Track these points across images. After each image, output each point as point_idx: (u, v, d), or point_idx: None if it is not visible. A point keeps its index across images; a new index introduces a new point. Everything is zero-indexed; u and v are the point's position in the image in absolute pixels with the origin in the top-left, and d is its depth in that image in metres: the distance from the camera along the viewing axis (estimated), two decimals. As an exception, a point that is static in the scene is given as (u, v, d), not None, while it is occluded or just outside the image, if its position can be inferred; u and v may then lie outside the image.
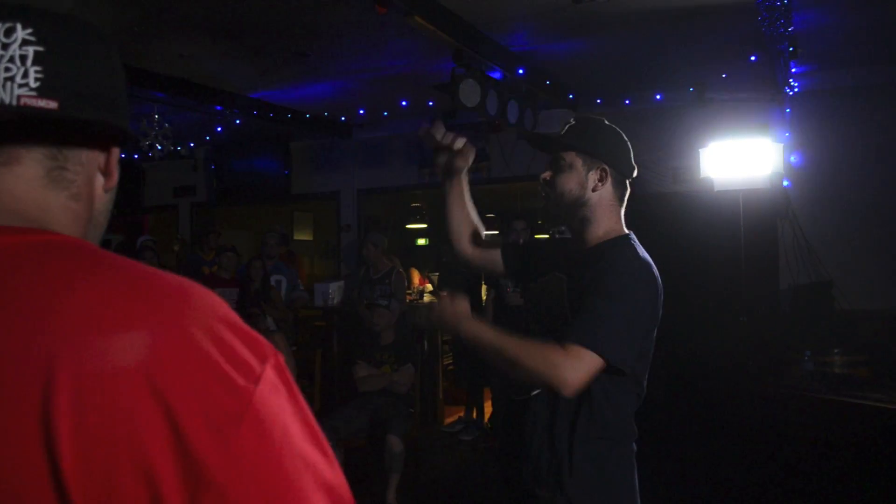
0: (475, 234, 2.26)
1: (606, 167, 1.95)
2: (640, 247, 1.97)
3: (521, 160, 7.32)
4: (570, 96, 6.58)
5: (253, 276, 6.97)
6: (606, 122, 2.03)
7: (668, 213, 6.45)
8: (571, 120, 2.03)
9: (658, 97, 6.77)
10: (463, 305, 1.91)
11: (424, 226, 11.48)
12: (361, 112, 7.22)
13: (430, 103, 6.62)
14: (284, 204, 9.72)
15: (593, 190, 1.95)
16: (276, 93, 6.53)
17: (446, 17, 4.37)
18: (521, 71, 5.37)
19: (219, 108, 6.44)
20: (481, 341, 1.84)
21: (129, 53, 5.34)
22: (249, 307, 6.65)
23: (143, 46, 5.20)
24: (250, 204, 9.52)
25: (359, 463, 5.30)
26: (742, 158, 5.23)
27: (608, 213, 1.98)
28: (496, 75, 5.33)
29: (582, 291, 1.86)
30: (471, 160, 2.15)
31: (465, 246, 2.25)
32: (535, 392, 1.97)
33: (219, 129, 7.22)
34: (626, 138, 2.01)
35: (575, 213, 1.98)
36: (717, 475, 4.47)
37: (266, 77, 6.00)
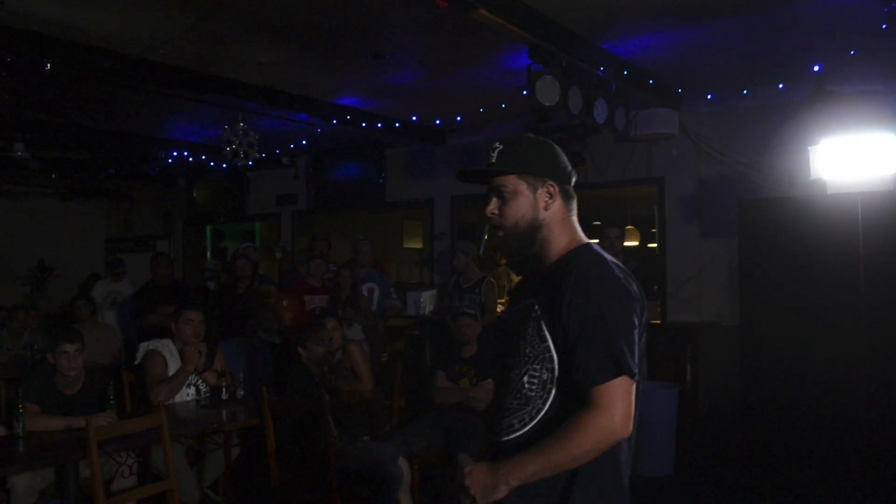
0: None
1: (553, 183, 1.89)
2: (603, 251, 1.90)
3: (618, 164, 6.88)
4: (679, 90, 6.05)
5: (342, 283, 6.92)
6: (534, 136, 1.96)
7: (780, 220, 5.84)
8: (497, 144, 1.93)
9: (773, 91, 6.11)
10: (484, 469, 1.81)
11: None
12: (437, 123, 7.02)
13: (504, 106, 6.31)
14: (379, 212, 9.66)
15: (545, 209, 1.89)
16: (362, 100, 6.44)
17: (518, 8, 4.07)
18: (604, 68, 4.97)
19: (304, 115, 6.41)
20: (528, 474, 1.76)
21: (209, 62, 5.38)
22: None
23: (222, 55, 5.22)
24: (346, 211, 9.53)
25: (432, 481, 5.07)
26: (861, 157, 4.61)
27: (564, 227, 1.92)
28: (584, 72, 4.96)
29: (557, 311, 1.78)
30: None
31: None
32: (514, 434, 1.86)
33: (304, 141, 7.21)
34: (556, 145, 1.94)
35: (534, 237, 1.91)
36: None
37: (348, 82, 5.90)
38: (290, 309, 7.06)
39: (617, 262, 1.86)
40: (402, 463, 4.60)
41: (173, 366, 4.90)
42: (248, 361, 5.94)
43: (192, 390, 4.97)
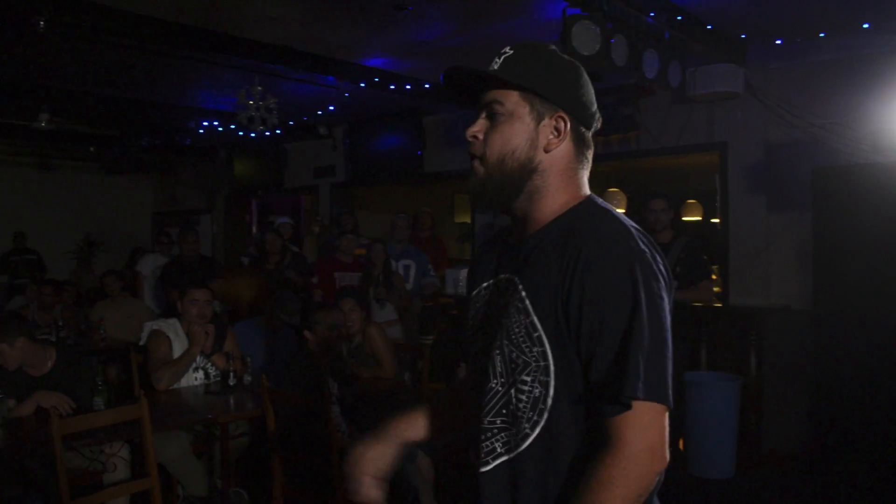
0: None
1: (564, 115, 1.39)
2: (612, 208, 1.39)
3: (674, 128, 6.19)
4: (743, 35, 5.26)
5: (375, 260, 6.51)
6: (556, 50, 1.43)
7: (861, 190, 5.13)
8: (507, 49, 1.41)
9: (856, 39, 5.27)
10: None
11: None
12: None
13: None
14: (418, 184, 9.15)
15: (546, 149, 1.39)
16: (390, 60, 5.92)
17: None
18: (654, 13, 4.30)
19: (330, 78, 5.94)
20: None
21: (216, 19, 4.95)
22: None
23: (230, 10, 4.78)
24: (383, 184, 9.06)
25: (453, 482, 4.60)
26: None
27: (567, 180, 1.42)
28: (630, 17, 4.33)
29: (557, 301, 1.30)
30: None
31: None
32: (495, 463, 1.39)
33: (331, 107, 6.76)
34: (585, 73, 1.43)
35: (522, 184, 1.40)
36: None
37: (371, 39, 5.39)
38: (321, 286, 6.70)
39: (637, 227, 1.37)
40: (423, 461, 4.15)
41: (179, 347, 4.58)
42: (268, 344, 5.58)
43: (201, 374, 4.64)
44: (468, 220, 9.99)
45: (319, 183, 9.31)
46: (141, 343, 4.73)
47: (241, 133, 7.26)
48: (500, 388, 1.39)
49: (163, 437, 3.92)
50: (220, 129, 8.12)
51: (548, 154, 1.39)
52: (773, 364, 5.61)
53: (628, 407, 1.23)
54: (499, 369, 1.38)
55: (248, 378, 4.57)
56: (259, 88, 5.44)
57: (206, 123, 8.12)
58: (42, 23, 4.38)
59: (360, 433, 4.12)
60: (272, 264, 7.07)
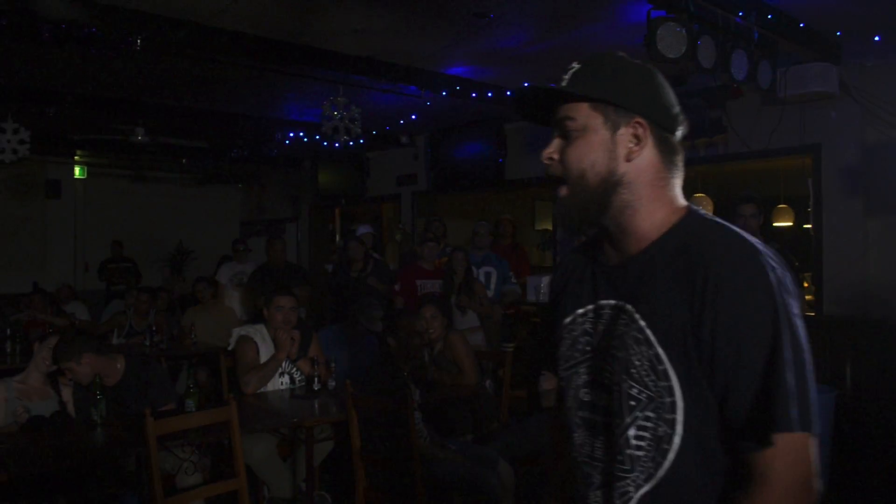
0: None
1: (641, 120, 1.28)
2: (734, 227, 1.25)
3: (764, 130, 5.98)
4: (838, 32, 5.03)
5: (456, 267, 6.52)
6: (625, 56, 1.34)
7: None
8: (574, 64, 1.34)
9: None
10: None
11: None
12: (552, 86, 6.33)
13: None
14: (499, 191, 9.14)
15: (628, 159, 1.29)
16: (471, 68, 5.94)
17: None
18: (743, 12, 4.16)
19: (413, 88, 6.01)
20: None
21: (302, 33, 5.08)
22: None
23: (314, 24, 4.89)
24: (466, 191, 9.09)
25: (534, 489, 4.55)
26: None
27: (658, 191, 1.31)
28: (717, 18, 4.21)
29: (685, 328, 1.20)
30: None
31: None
32: None
33: (413, 116, 6.82)
34: (660, 74, 1.33)
35: (606, 199, 1.29)
36: None
37: (453, 48, 5.42)
38: (402, 294, 6.77)
39: (758, 241, 1.26)
40: (504, 468, 4.12)
41: (265, 352, 4.69)
42: (351, 349, 5.66)
43: (286, 379, 4.75)
44: (549, 228, 9.91)
45: (401, 191, 9.43)
46: (230, 348, 4.87)
47: (325, 143, 7.41)
48: (614, 430, 1.29)
49: (250, 440, 4.03)
50: (305, 139, 8.32)
51: (631, 164, 1.29)
52: (871, 376, 5.33)
53: (778, 438, 1.14)
54: (615, 407, 1.28)
55: (332, 383, 4.65)
56: (342, 99, 5.54)
57: (291, 134, 8.34)
58: (139, 41, 4.58)
59: (441, 439, 4.14)
60: (355, 272, 7.18)
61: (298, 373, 4.77)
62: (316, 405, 4.37)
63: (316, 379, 4.57)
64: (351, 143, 5.87)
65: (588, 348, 1.37)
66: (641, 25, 4.19)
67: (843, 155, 5.73)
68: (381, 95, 6.50)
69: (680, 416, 1.21)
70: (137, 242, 11.11)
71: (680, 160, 1.34)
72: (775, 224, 8.34)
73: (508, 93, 6.26)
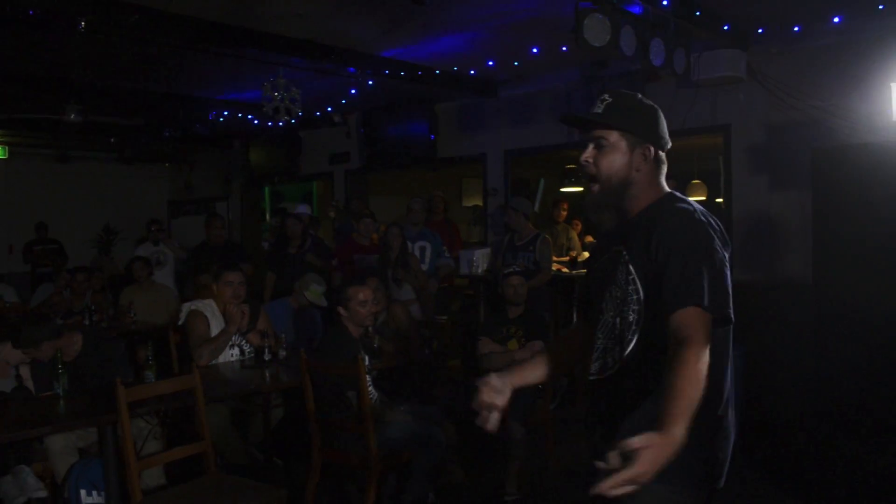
0: (572, 346, 2.31)
1: (650, 146, 1.97)
2: (687, 198, 2.00)
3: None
4: (726, 27, 5.51)
5: (391, 242, 6.76)
6: (643, 98, 2.03)
7: (858, 169, 5.37)
8: (606, 97, 1.99)
9: (837, 21, 5.50)
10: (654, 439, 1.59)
11: (580, 189, 10.74)
12: (490, 64, 6.62)
13: (564, 48, 5.92)
14: (432, 169, 9.42)
15: (637, 170, 1.97)
16: (405, 50, 6.17)
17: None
18: (665, 2, 4.56)
19: (351, 69, 6.20)
20: (685, 421, 1.63)
21: (246, 16, 5.21)
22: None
23: (259, 7, 5.03)
24: (398, 169, 9.34)
25: (477, 447, 4.90)
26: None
27: (651, 187, 2.00)
28: (635, 9, 4.58)
29: (645, 250, 1.87)
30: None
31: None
32: (608, 373, 1.99)
33: (352, 90, 7.00)
34: (660, 112, 2.01)
35: (623, 192, 1.99)
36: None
37: (391, 33, 5.64)
38: (340, 269, 6.97)
39: (700, 207, 1.94)
40: (448, 427, 4.44)
41: (216, 326, 4.85)
42: (296, 322, 5.87)
43: (236, 351, 4.92)
44: (479, 204, 10.27)
45: (335, 169, 9.59)
46: (179, 323, 5.01)
47: (256, 122, 7.50)
48: (609, 319, 1.97)
49: (205, 410, 4.21)
50: (239, 116, 8.36)
51: (638, 173, 1.96)
52: (777, 336, 5.87)
53: (682, 308, 1.73)
54: (610, 306, 1.97)
55: (282, 353, 4.86)
56: (283, 80, 5.68)
57: (226, 113, 8.37)
58: (83, 23, 4.62)
59: (388, 400, 4.43)
60: (293, 249, 7.35)
61: (248, 345, 4.96)
62: (267, 374, 4.57)
63: (266, 350, 4.76)
64: (293, 121, 6.01)
65: (603, 274, 2.05)
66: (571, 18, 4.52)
67: (750, 134, 6.24)
68: (316, 76, 6.64)
69: (642, 307, 1.88)
70: (63, 224, 10.92)
71: (665, 165, 2.03)
72: (690, 198, 8.86)
73: (437, 71, 6.49)
